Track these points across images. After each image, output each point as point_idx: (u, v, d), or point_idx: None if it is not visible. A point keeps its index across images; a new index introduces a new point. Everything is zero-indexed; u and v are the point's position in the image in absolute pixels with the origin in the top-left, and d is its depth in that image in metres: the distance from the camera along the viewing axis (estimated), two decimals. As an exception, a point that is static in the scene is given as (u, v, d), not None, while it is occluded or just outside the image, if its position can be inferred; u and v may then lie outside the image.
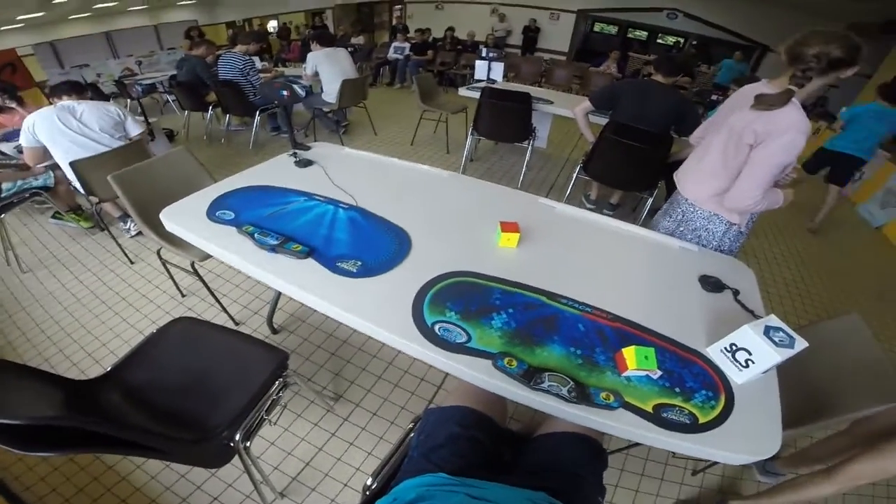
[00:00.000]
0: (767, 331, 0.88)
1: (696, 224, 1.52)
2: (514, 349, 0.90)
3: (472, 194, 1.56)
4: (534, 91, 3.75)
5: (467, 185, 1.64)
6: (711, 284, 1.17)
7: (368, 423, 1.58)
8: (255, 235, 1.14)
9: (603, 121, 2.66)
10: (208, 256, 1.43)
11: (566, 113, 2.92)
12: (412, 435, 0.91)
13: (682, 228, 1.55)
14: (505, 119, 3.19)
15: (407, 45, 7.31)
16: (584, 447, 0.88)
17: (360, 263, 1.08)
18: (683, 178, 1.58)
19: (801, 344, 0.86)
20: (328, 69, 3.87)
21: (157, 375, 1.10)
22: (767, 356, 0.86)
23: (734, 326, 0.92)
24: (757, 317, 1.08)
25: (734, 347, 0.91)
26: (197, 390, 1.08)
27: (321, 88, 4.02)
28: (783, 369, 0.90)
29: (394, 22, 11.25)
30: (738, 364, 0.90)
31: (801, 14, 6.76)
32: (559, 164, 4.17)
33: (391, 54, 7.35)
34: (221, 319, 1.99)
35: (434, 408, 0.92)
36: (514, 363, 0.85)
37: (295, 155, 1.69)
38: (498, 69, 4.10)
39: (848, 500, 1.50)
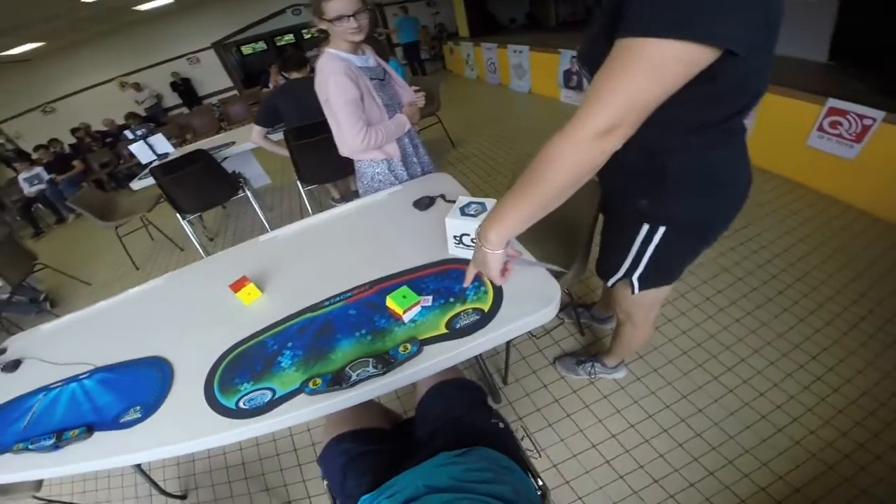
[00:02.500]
0: (463, 210, 1.03)
1: (369, 174, 1.62)
2: (313, 370, 0.91)
3: (201, 277, 1.40)
4: (213, 141, 3.51)
5: (191, 273, 1.45)
6: (423, 204, 1.35)
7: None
8: (30, 447, 0.98)
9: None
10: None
11: (252, 145, 2.83)
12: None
13: (374, 184, 1.64)
14: (197, 185, 2.86)
15: (39, 169, 5.76)
16: (447, 392, 0.93)
17: (139, 407, 0.99)
18: (338, 145, 1.62)
19: (490, 202, 1.02)
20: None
21: None
22: (473, 226, 0.99)
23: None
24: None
25: (457, 238, 1.06)
26: None
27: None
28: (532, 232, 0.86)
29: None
30: (469, 247, 1.03)
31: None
32: (293, 189, 4.02)
33: (28, 190, 5.67)
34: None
35: (319, 456, 0.93)
36: (319, 381, 0.86)
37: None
38: (160, 141, 3.64)
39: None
